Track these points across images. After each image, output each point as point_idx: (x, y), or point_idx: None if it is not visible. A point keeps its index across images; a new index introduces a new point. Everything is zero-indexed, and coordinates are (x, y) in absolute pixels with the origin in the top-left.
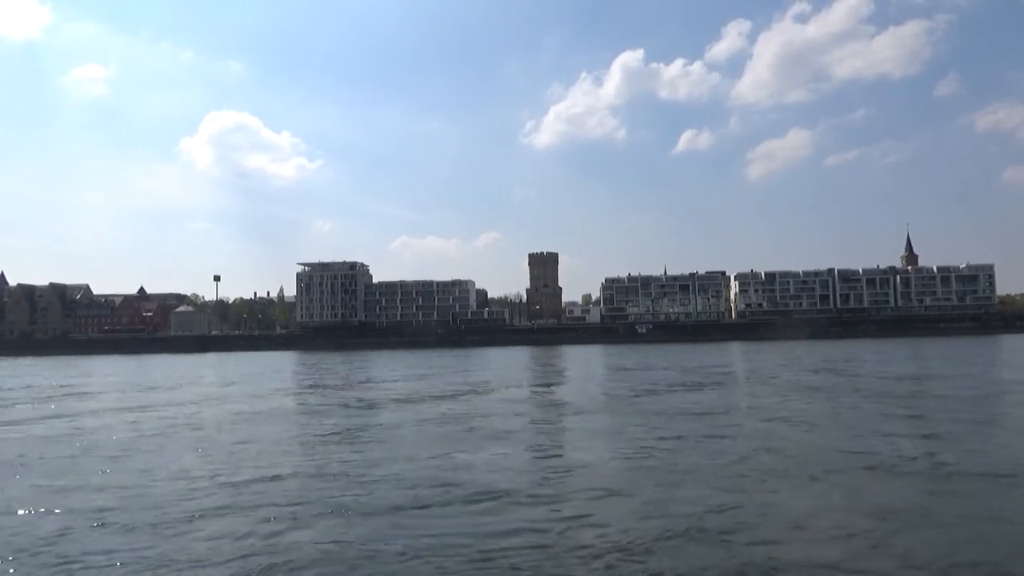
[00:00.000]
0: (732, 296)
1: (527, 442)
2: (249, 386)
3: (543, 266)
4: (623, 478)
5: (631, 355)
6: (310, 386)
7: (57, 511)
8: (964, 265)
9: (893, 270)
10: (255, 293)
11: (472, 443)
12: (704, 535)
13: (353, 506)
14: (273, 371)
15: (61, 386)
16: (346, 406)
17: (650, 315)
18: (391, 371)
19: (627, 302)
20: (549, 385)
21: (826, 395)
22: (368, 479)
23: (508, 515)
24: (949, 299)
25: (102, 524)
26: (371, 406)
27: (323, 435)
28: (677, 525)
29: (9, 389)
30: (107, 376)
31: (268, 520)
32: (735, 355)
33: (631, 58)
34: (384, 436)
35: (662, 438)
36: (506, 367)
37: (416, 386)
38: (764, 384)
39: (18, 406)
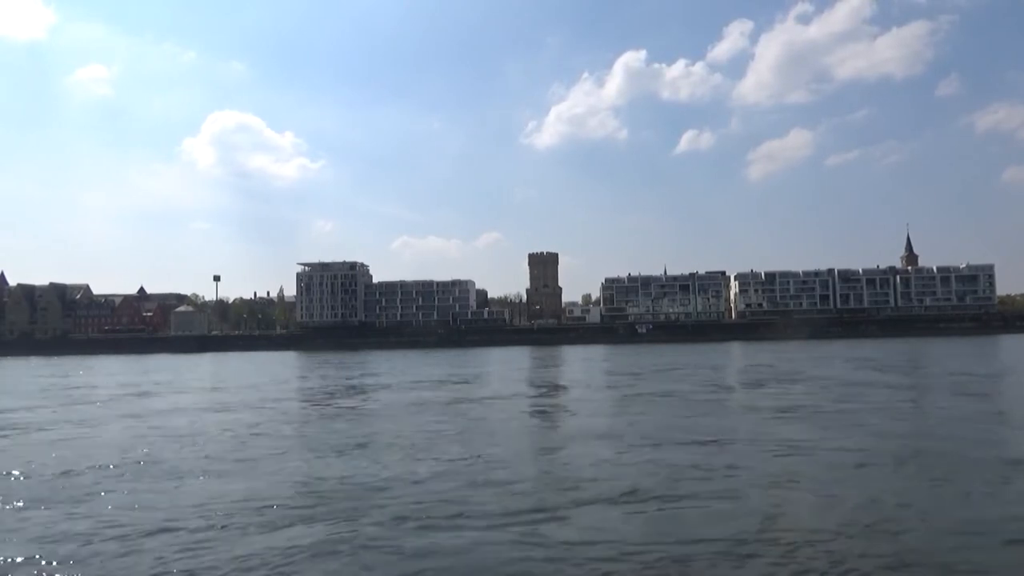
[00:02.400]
0: (732, 296)
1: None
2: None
3: (543, 266)
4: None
5: (651, 355)
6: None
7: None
8: (964, 265)
9: (893, 270)
10: (255, 293)
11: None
12: None
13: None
14: (294, 370)
15: (123, 385)
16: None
17: (650, 315)
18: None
19: (627, 302)
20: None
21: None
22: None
23: None
24: (949, 299)
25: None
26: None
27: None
28: None
29: (92, 388)
30: (151, 375)
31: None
32: (766, 355)
33: (633, 58)
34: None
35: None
36: (511, 372)
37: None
38: (870, 387)
39: (101, 404)
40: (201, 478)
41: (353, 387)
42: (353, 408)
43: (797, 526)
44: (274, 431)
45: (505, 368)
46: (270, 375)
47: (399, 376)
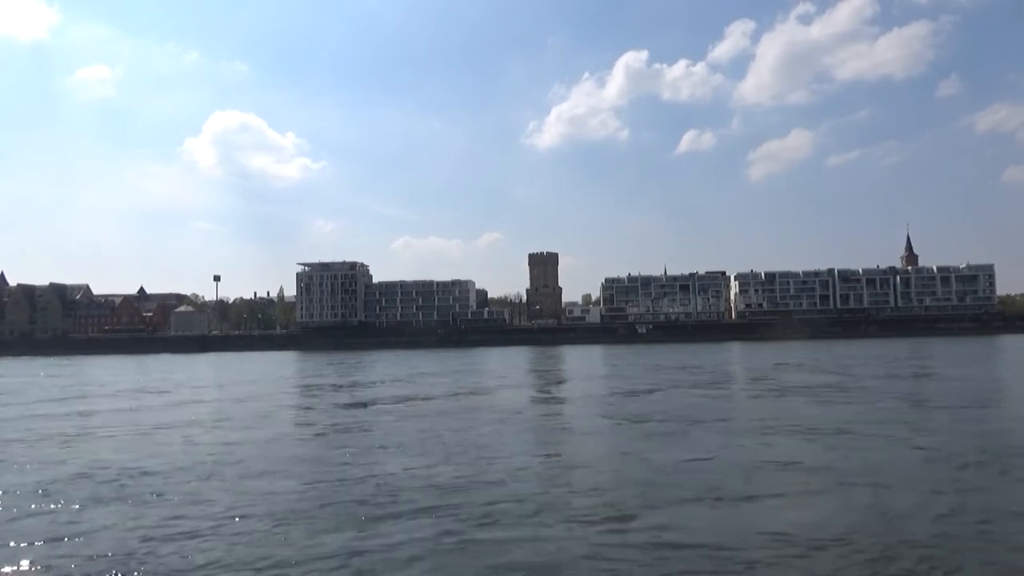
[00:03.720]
0: (732, 296)
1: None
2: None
3: (543, 266)
4: None
5: (671, 355)
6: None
7: None
8: (964, 265)
9: (893, 270)
10: (255, 293)
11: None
12: None
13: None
14: (310, 370)
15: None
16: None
17: (650, 315)
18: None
19: (627, 302)
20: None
21: None
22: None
23: None
24: (949, 299)
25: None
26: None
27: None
28: None
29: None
30: (170, 375)
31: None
32: (795, 353)
33: (634, 59)
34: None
35: None
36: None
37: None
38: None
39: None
40: (288, 478)
41: (387, 387)
42: (407, 405)
43: None
44: (344, 431)
45: (508, 368)
46: (292, 375)
47: (426, 376)
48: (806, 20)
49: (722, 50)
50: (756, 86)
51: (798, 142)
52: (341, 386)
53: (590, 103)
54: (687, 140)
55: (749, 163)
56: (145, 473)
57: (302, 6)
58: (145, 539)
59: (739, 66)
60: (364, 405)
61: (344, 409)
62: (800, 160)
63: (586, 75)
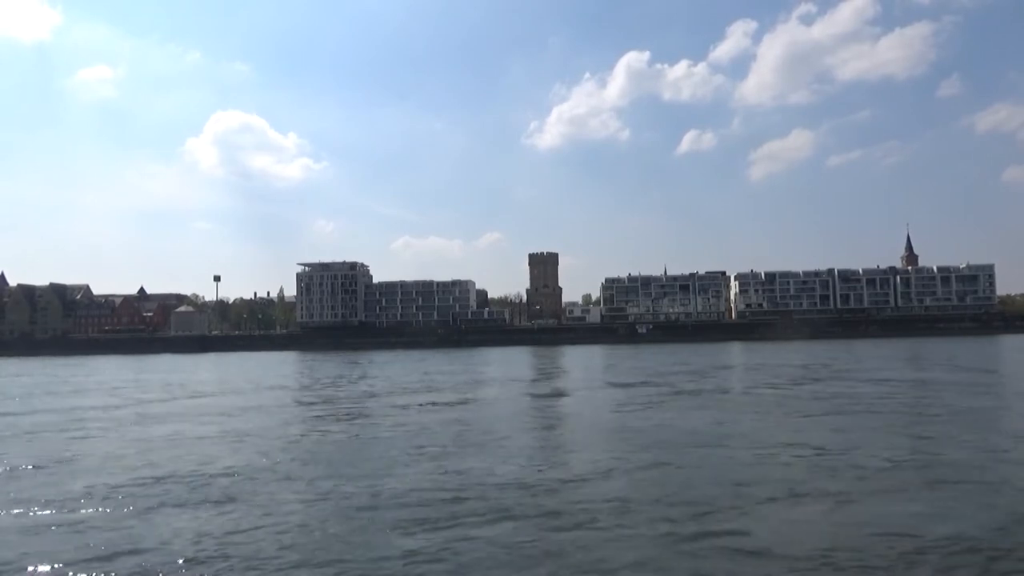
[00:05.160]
0: (732, 296)
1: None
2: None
3: (543, 266)
4: None
5: (692, 356)
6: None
7: None
8: (964, 265)
9: (893, 270)
10: (255, 293)
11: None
12: None
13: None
14: (326, 370)
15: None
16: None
17: (650, 315)
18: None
19: (627, 302)
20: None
21: None
22: None
23: None
24: (949, 299)
25: None
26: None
27: None
28: None
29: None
30: (187, 373)
31: None
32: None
33: (635, 59)
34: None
35: None
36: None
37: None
38: None
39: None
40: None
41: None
42: (464, 404)
43: None
44: (395, 432)
45: (509, 368)
46: (308, 375)
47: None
48: (808, 20)
49: (723, 50)
50: (757, 86)
51: (799, 142)
52: (366, 385)
53: (591, 103)
54: (688, 140)
55: (750, 163)
56: (224, 475)
57: (303, 7)
58: (226, 541)
59: (740, 66)
60: (412, 407)
61: (395, 410)
62: (801, 160)
63: (587, 75)
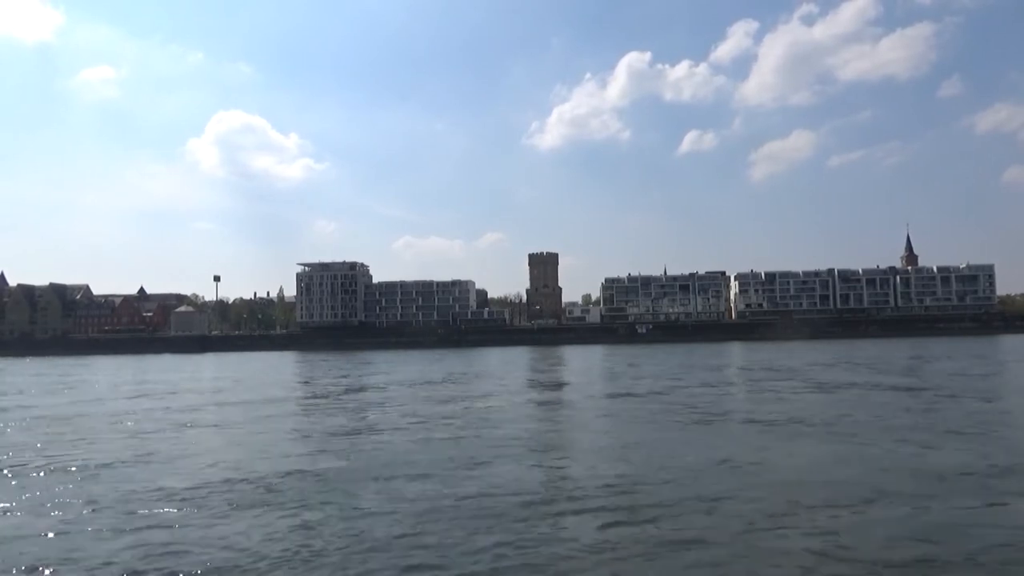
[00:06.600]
0: (732, 296)
1: None
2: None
3: (543, 266)
4: None
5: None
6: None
7: None
8: (964, 265)
9: (893, 270)
10: (255, 293)
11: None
12: None
13: None
14: (342, 370)
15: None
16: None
17: (650, 315)
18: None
19: (627, 302)
20: None
21: None
22: None
23: None
24: (949, 299)
25: None
26: None
27: None
28: None
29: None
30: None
31: None
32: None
33: (636, 59)
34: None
35: None
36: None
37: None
38: None
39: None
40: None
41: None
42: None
43: None
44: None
45: (508, 367)
46: (327, 375)
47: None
48: (809, 21)
49: (724, 51)
50: (758, 87)
51: (800, 143)
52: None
53: (592, 104)
54: (689, 141)
55: (750, 163)
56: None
57: (305, 8)
58: (305, 543)
59: (741, 67)
60: (446, 402)
61: (431, 406)
62: (801, 160)
63: (588, 76)
